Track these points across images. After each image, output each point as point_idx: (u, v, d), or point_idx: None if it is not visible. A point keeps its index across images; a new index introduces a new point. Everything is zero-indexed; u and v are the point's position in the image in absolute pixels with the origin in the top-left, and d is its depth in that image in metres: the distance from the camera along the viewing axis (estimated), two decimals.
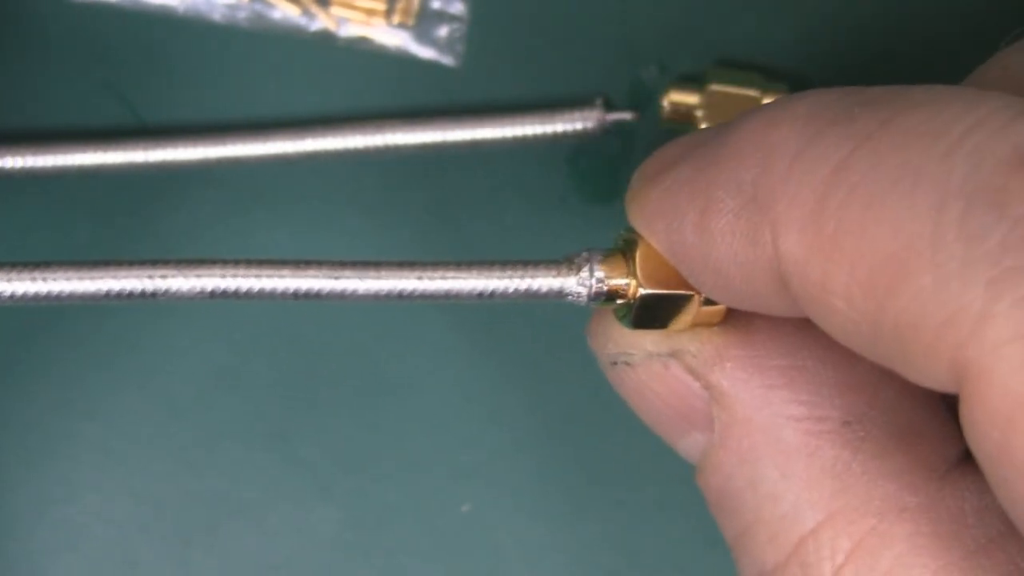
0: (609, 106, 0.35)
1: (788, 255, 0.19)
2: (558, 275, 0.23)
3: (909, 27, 0.35)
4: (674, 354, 0.23)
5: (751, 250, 0.19)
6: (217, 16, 0.35)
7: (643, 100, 0.35)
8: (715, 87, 0.34)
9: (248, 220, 0.35)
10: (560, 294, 0.23)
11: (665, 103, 0.35)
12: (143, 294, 0.22)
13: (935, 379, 0.17)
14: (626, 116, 0.35)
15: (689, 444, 0.23)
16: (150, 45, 0.35)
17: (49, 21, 0.35)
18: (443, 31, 0.35)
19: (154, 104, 0.35)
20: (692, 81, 0.35)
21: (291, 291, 0.22)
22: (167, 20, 0.35)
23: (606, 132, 0.35)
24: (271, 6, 0.35)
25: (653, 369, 0.23)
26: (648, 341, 0.23)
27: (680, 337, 0.23)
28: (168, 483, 0.35)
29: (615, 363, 0.23)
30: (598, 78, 0.35)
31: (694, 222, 0.20)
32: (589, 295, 0.23)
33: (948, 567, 0.19)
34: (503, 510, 0.35)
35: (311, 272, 0.22)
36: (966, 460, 0.21)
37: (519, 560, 0.35)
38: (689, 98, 0.35)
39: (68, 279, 0.22)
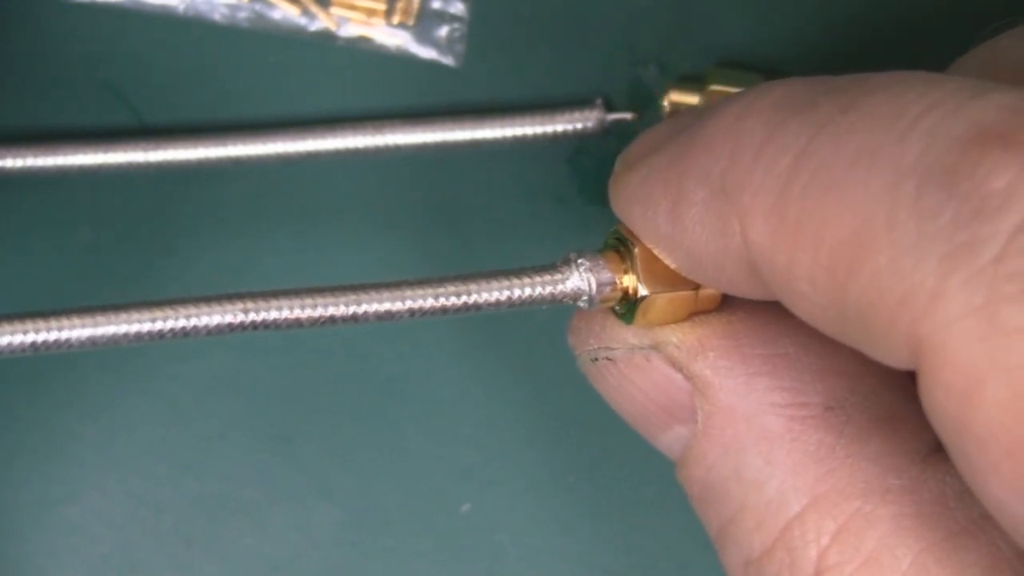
0: (609, 106, 0.35)
1: (755, 244, 0.19)
2: (560, 280, 0.23)
3: (908, 27, 0.35)
4: (656, 346, 0.23)
5: (721, 240, 0.20)
6: (217, 16, 0.35)
7: (643, 100, 0.35)
8: (715, 87, 0.34)
9: (248, 220, 0.35)
10: (559, 298, 0.23)
11: (665, 103, 0.35)
12: (172, 332, 0.23)
13: (896, 357, 0.17)
14: (626, 116, 0.35)
15: (671, 438, 0.23)
16: (150, 45, 0.35)
17: (49, 22, 0.35)
18: (443, 31, 0.35)
19: (154, 104, 0.35)
20: (692, 81, 0.35)
21: (301, 319, 0.23)
22: (167, 20, 0.35)
23: (606, 132, 0.35)
24: (271, 6, 0.35)
25: (635, 362, 0.23)
26: (630, 334, 0.23)
27: (662, 329, 0.23)
28: (169, 484, 0.35)
29: (595, 359, 0.24)
30: (598, 78, 0.35)
31: (667, 212, 0.21)
32: (591, 298, 0.23)
33: (931, 547, 0.19)
34: (503, 510, 0.35)
35: (326, 299, 0.23)
36: None
37: (519, 560, 0.35)
38: (689, 98, 0.35)
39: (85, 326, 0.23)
